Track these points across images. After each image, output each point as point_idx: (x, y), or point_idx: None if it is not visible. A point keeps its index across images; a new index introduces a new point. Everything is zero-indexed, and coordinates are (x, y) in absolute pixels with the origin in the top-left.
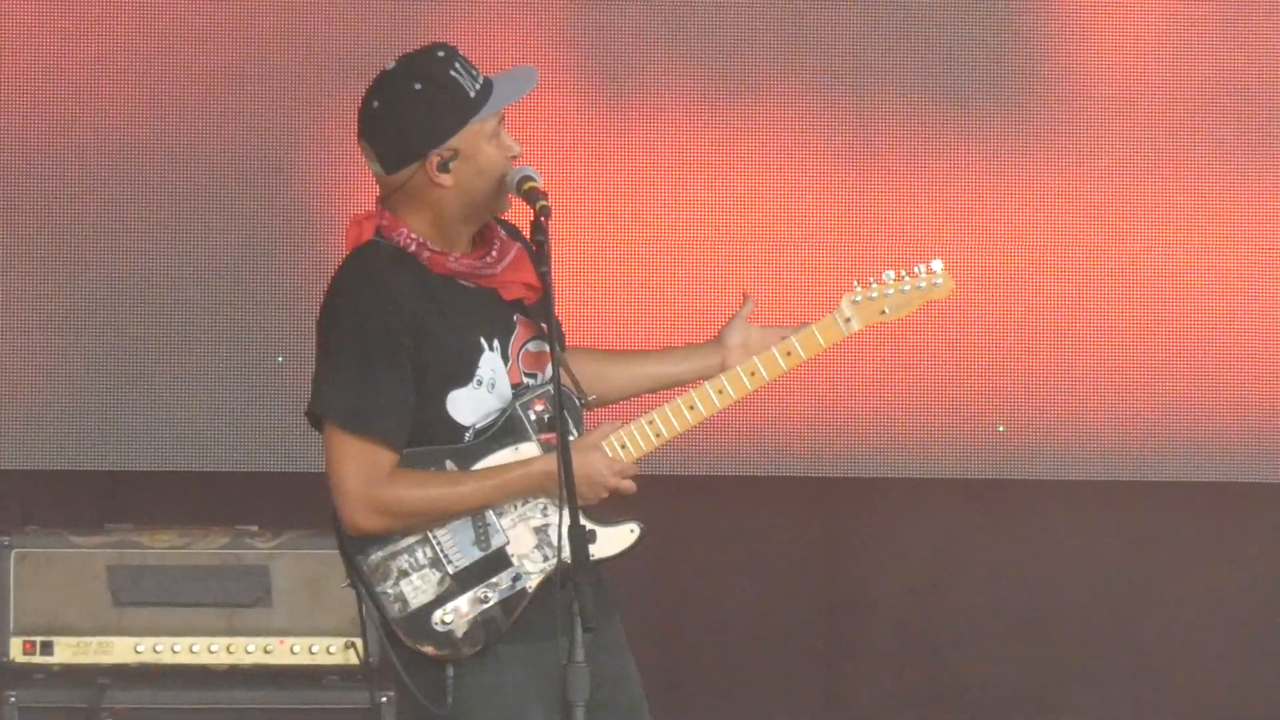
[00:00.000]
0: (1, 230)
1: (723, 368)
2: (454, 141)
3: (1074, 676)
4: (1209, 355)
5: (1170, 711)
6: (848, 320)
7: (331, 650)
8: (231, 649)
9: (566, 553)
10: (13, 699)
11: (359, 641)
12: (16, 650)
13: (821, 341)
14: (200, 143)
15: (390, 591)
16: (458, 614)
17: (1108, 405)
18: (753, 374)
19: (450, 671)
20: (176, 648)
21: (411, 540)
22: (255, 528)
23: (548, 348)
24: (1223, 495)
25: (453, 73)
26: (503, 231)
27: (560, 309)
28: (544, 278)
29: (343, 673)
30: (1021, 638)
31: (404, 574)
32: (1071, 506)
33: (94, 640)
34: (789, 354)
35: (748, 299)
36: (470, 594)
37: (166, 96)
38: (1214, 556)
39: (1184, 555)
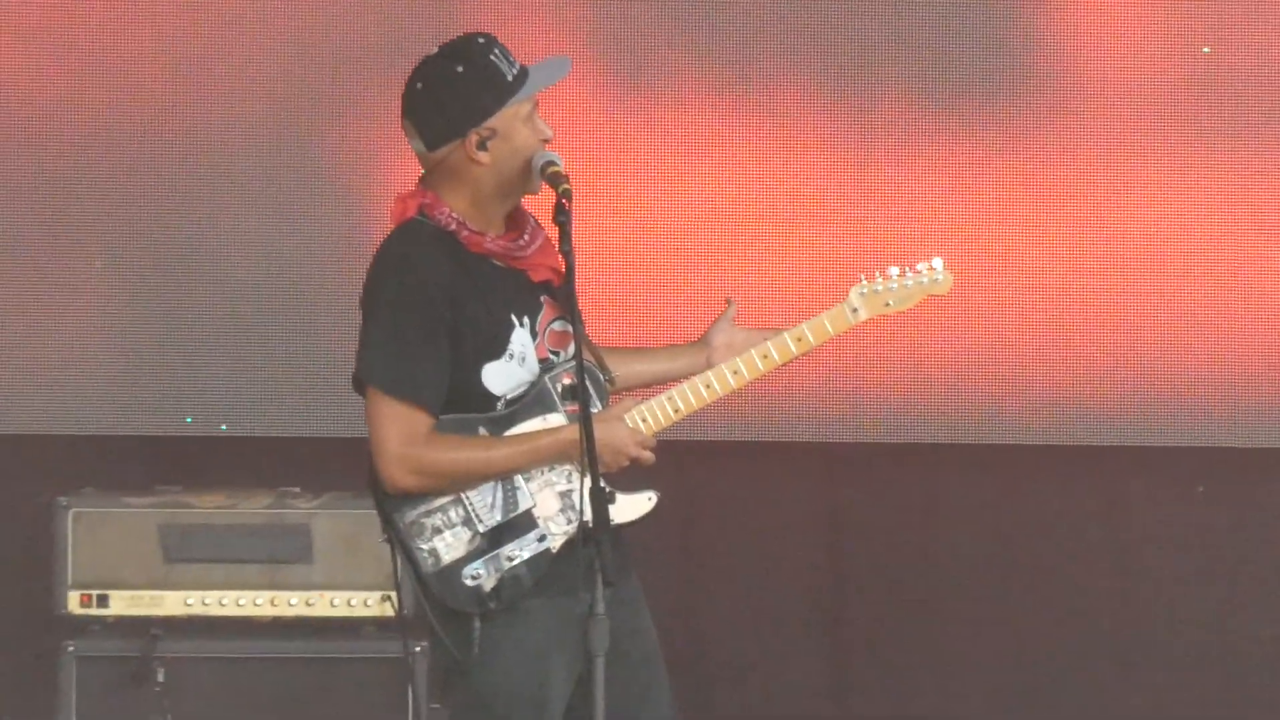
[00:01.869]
0: (56, 205)
1: (708, 366)
2: (492, 121)
3: (1075, 635)
4: (1197, 326)
5: (1170, 676)
6: (855, 310)
7: (369, 603)
8: (275, 602)
9: (589, 513)
10: (71, 648)
11: (394, 595)
12: (74, 603)
13: (830, 329)
14: (253, 121)
15: (424, 547)
16: (486, 570)
17: (1104, 374)
18: (765, 357)
19: (477, 624)
20: (224, 601)
21: (445, 500)
22: (297, 489)
23: (571, 327)
24: (1219, 460)
25: (492, 57)
26: (532, 219)
27: (579, 292)
28: (566, 256)
29: (379, 624)
30: (1025, 599)
31: (437, 531)
32: (1069, 471)
33: (146, 594)
34: (799, 340)
35: (731, 303)
36: (498, 552)
37: (218, 81)
38: (1214, 519)
39: (1181, 519)
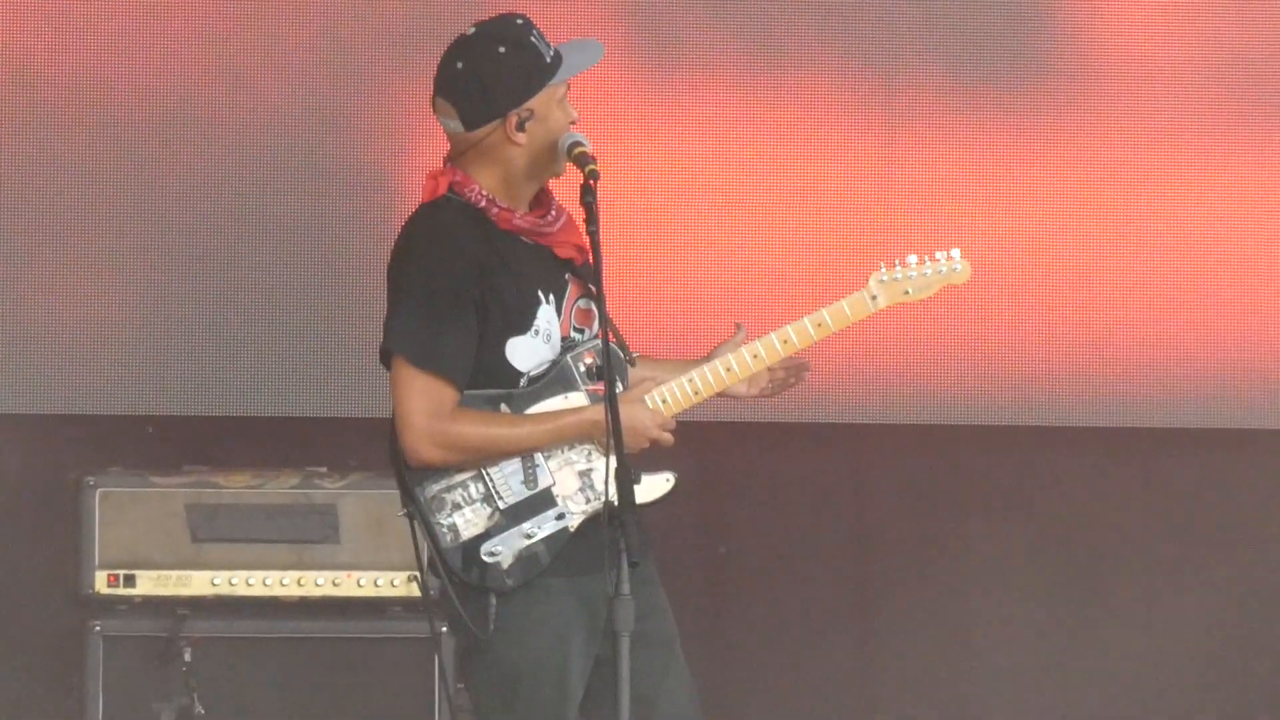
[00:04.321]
0: (83, 186)
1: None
2: (532, 102)
3: (1102, 614)
4: (1216, 312)
5: (1194, 644)
6: (874, 298)
7: (395, 583)
8: (301, 582)
9: (614, 493)
10: (97, 628)
11: (419, 574)
12: (101, 583)
13: (849, 315)
14: (281, 102)
15: (444, 522)
16: (504, 547)
17: (1123, 356)
18: (785, 341)
19: (493, 600)
20: (250, 581)
21: (466, 476)
22: (324, 469)
23: (595, 306)
24: (1252, 442)
25: (531, 38)
26: (555, 198)
27: (603, 271)
28: (593, 237)
29: (405, 604)
30: (1052, 581)
31: (457, 507)
32: (1097, 452)
33: (173, 574)
34: (819, 325)
35: (740, 328)
36: (517, 529)
37: (247, 61)
38: (1228, 497)
39: (1198, 498)
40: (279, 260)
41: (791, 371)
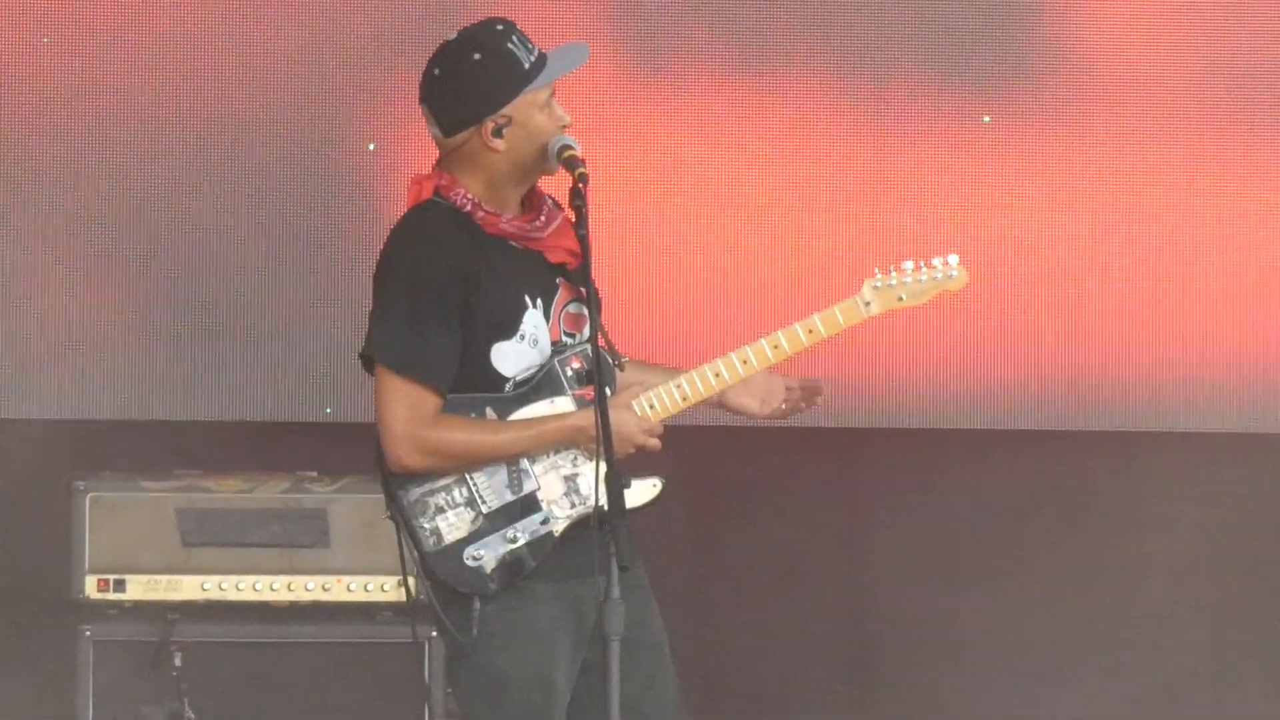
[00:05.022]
0: (77, 197)
1: (723, 404)
2: (508, 109)
3: (1093, 620)
4: (1209, 316)
5: (1202, 658)
6: (868, 304)
7: (385, 588)
8: (292, 587)
9: (603, 497)
10: (87, 633)
11: (412, 579)
12: (91, 587)
13: (842, 321)
14: (264, 110)
15: (427, 526)
16: (487, 551)
17: (1115, 360)
18: (776, 347)
19: (477, 605)
20: (240, 585)
21: (449, 479)
22: (314, 474)
23: (587, 310)
24: (1236, 445)
25: (509, 45)
26: (549, 200)
27: (596, 275)
28: (582, 240)
29: (396, 609)
30: (1044, 584)
31: (440, 510)
32: (1088, 456)
33: (163, 578)
34: (811, 331)
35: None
36: (500, 533)
37: (242, 70)
38: (1220, 500)
39: (1197, 505)
40: (269, 264)
41: (806, 394)
